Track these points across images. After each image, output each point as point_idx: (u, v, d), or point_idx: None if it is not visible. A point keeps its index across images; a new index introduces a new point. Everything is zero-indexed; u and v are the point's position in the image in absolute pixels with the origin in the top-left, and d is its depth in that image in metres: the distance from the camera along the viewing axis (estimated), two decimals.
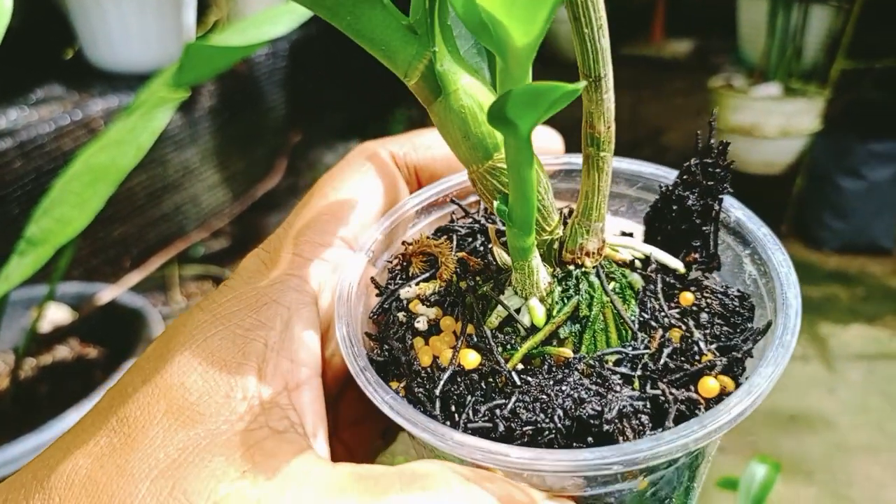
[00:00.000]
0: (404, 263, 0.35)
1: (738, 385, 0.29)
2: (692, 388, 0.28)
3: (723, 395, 0.28)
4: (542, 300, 0.30)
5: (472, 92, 0.29)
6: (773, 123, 2.06)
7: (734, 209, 0.35)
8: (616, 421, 0.26)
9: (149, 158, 1.25)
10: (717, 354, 0.30)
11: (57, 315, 1.14)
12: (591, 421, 0.27)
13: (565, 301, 0.31)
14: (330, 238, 0.34)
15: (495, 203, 0.29)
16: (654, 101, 2.87)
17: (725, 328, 0.31)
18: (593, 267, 0.31)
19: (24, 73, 1.50)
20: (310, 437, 0.29)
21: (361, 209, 0.35)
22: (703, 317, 0.31)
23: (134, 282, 1.35)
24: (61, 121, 1.35)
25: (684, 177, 0.34)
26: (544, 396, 0.27)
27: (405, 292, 0.33)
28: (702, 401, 0.28)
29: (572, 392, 0.27)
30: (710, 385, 0.28)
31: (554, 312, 0.31)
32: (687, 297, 0.33)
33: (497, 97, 0.23)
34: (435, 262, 0.34)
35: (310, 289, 0.32)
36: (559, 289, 0.31)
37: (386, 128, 2.47)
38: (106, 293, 1.17)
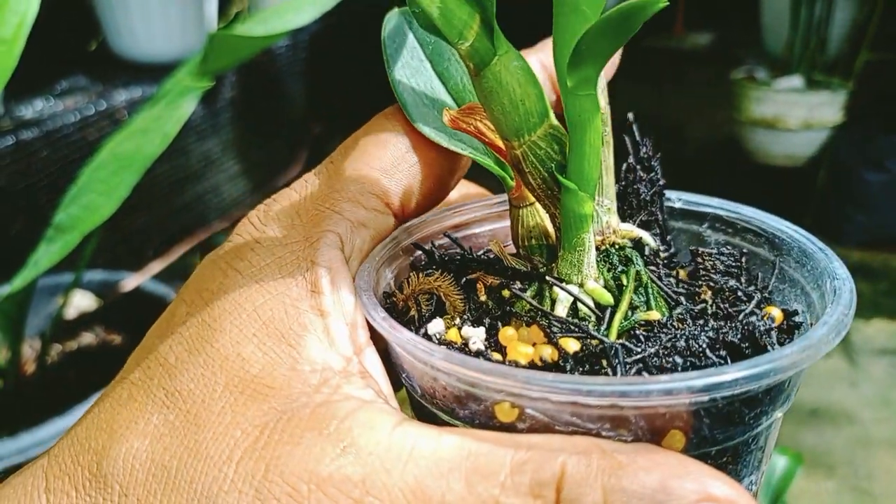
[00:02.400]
0: (406, 309, 0.31)
1: (786, 313, 0.30)
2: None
3: (786, 322, 0.29)
4: (596, 281, 0.30)
5: (517, 52, 0.28)
6: (795, 115, 2.04)
7: (676, 198, 0.37)
8: (765, 336, 0.27)
9: (171, 148, 1.27)
10: (759, 293, 0.31)
11: (82, 302, 1.15)
12: (743, 344, 0.26)
13: (617, 277, 0.30)
14: (377, 202, 0.31)
15: (552, 168, 0.28)
16: (675, 94, 2.85)
17: (733, 280, 0.32)
18: (624, 244, 0.31)
19: (49, 64, 1.52)
20: (388, 398, 0.26)
21: (417, 173, 0.32)
22: (714, 276, 0.32)
23: (156, 270, 1.36)
24: (86, 111, 1.36)
25: (628, 174, 0.36)
26: (681, 344, 0.26)
27: (433, 327, 0.30)
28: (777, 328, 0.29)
29: (700, 334, 0.27)
30: (775, 313, 0.29)
31: (614, 288, 0.30)
32: (681, 273, 0.33)
33: (584, 32, 0.23)
34: (438, 300, 0.31)
35: (348, 250, 0.29)
36: (605, 268, 0.30)
37: None
38: (130, 281, 1.19)
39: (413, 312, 0.31)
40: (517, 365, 0.26)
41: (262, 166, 1.91)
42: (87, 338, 1.11)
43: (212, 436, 0.24)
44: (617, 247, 0.31)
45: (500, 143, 0.31)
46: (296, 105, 2.02)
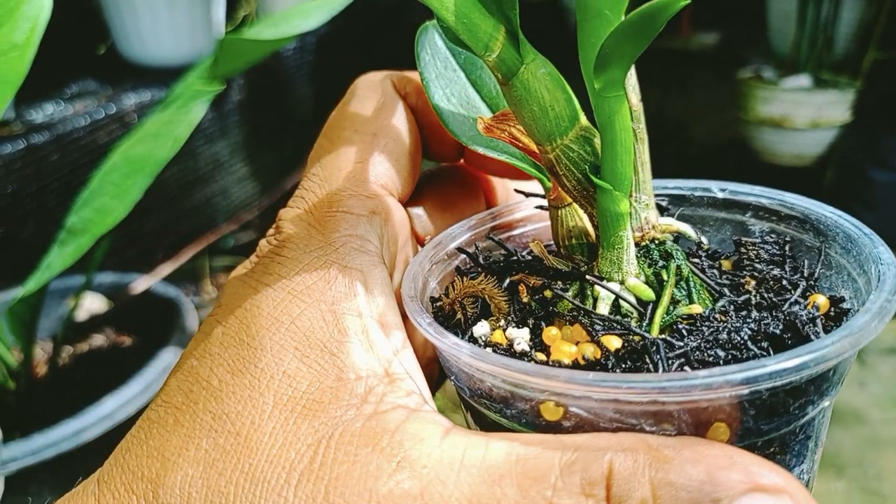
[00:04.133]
0: (452, 312, 0.32)
1: (832, 300, 0.29)
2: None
3: (833, 309, 0.29)
4: (637, 278, 0.30)
5: (544, 59, 0.28)
6: (803, 115, 2.04)
7: (717, 188, 0.36)
8: (808, 325, 0.26)
9: (181, 151, 1.28)
10: (805, 280, 0.31)
11: (93, 304, 1.16)
12: (785, 335, 0.26)
13: (657, 273, 0.30)
14: (372, 187, 0.32)
15: (586, 169, 0.29)
16: (681, 95, 2.84)
17: (778, 269, 0.32)
18: (664, 238, 0.32)
19: (59, 69, 1.53)
20: (428, 401, 0.27)
21: (392, 150, 0.33)
22: (758, 266, 0.32)
23: (166, 272, 1.37)
24: (96, 115, 1.37)
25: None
26: (723, 337, 0.26)
27: (479, 329, 0.30)
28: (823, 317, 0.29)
29: (742, 326, 0.27)
30: (821, 301, 0.29)
31: (655, 283, 0.30)
32: (725, 263, 0.33)
33: (608, 35, 0.23)
34: (483, 302, 0.32)
35: (373, 248, 0.30)
36: (645, 264, 0.31)
37: None
38: (140, 283, 1.20)
39: (459, 316, 0.31)
40: (561, 364, 0.27)
41: (270, 169, 1.91)
42: (98, 340, 1.12)
43: (266, 458, 0.24)
44: (657, 242, 0.31)
45: (533, 148, 0.31)
46: (303, 107, 2.03)
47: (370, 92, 0.35)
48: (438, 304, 0.32)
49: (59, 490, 0.92)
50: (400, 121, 0.35)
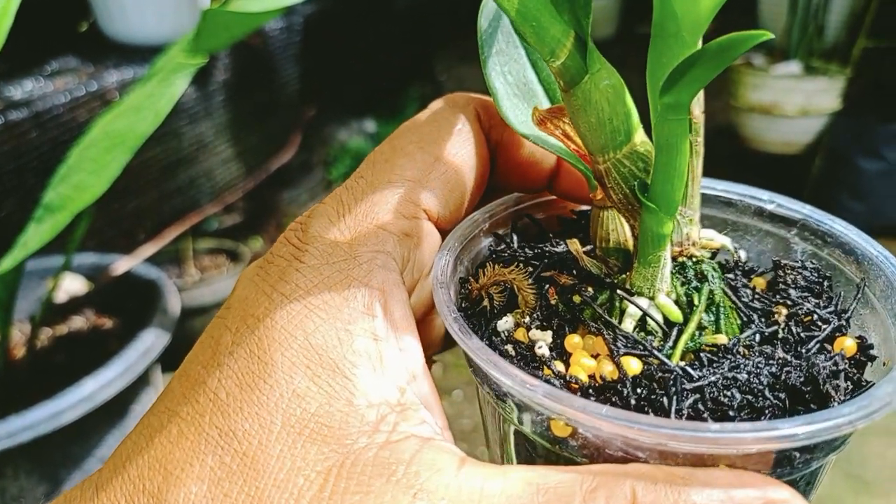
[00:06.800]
0: (479, 298, 0.31)
1: (860, 345, 0.29)
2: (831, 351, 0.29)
3: (859, 353, 0.29)
4: (668, 296, 0.29)
5: (610, 69, 0.27)
6: (793, 102, 2.04)
7: (768, 199, 0.35)
8: (829, 380, 0.26)
9: (163, 131, 1.25)
10: (837, 317, 0.30)
11: (73, 285, 1.14)
12: (804, 388, 0.26)
13: (689, 294, 0.30)
14: (415, 209, 0.30)
15: (635, 186, 0.28)
16: None
17: (813, 299, 0.31)
18: (704, 256, 0.31)
19: (39, 45, 1.50)
20: (443, 430, 0.26)
21: (449, 179, 0.32)
22: (792, 293, 0.31)
23: (148, 254, 1.35)
24: (76, 92, 1.34)
25: None
26: (742, 377, 0.26)
27: (503, 323, 0.30)
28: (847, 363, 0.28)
29: (763, 369, 0.26)
30: (847, 345, 0.29)
31: (685, 304, 0.30)
32: (759, 282, 0.33)
33: (683, 59, 0.23)
34: (511, 292, 0.31)
35: (396, 266, 0.29)
36: (678, 282, 0.30)
37: (399, 104, 2.45)
38: (121, 264, 1.17)
39: (486, 304, 0.31)
40: (577, 381, 0.27)
41: (255, 150, 1.89)
42: (78, 322, 1.10)
43: (273, 482, 0.23)
44: (694, 260, 0.31)
45: (585, 150, 0.30)
46: (289, 88, 2.00)
47: (451, 113, 0.34)
48: (467, 286, 0.31)
49: (35, 473, 0.90)
50: (468, 152, 0.33)
